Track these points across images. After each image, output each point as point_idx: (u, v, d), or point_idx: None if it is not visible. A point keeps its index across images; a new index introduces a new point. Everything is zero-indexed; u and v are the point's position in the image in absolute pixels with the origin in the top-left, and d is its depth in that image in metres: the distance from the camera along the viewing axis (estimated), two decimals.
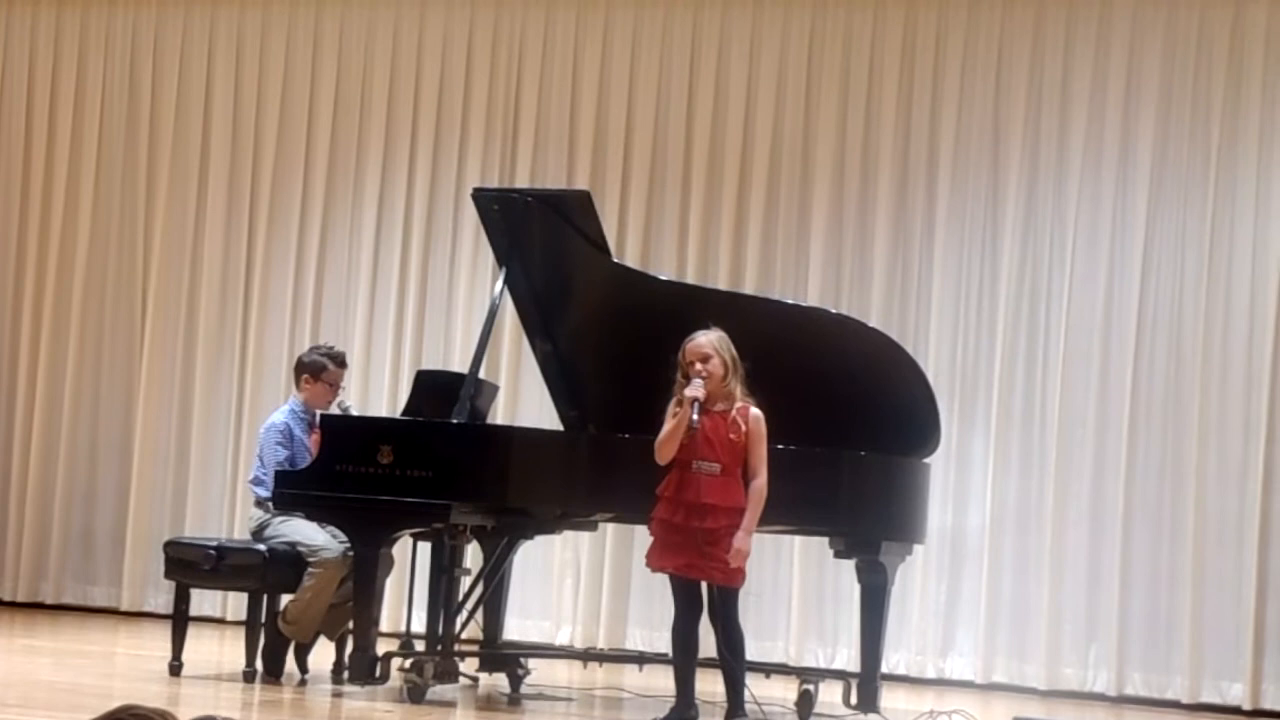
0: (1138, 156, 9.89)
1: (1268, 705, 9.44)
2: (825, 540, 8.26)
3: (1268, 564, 9.54)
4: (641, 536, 7.84)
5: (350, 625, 7.78)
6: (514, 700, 7.94)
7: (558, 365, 8.34)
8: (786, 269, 10.30)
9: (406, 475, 7.43)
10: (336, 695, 7.75)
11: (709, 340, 6.99)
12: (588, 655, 8.90)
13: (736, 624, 7.13)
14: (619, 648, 10.00)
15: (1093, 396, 9.83)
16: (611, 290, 8.16)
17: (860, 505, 7.77)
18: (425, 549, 8.10)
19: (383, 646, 7.74)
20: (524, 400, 10.27)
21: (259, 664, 7.89)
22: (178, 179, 11.12)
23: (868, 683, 7.92)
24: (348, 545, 7.70)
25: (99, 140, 11.26)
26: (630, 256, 10.06)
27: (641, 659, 8.56)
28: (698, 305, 7.70)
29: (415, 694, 7.47)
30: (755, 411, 7.00)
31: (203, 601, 9.81)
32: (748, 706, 7.06)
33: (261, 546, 7.97)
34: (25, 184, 11.33)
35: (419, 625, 8.25)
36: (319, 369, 8.24)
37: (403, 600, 8.96)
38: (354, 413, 8.49)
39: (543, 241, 8.04)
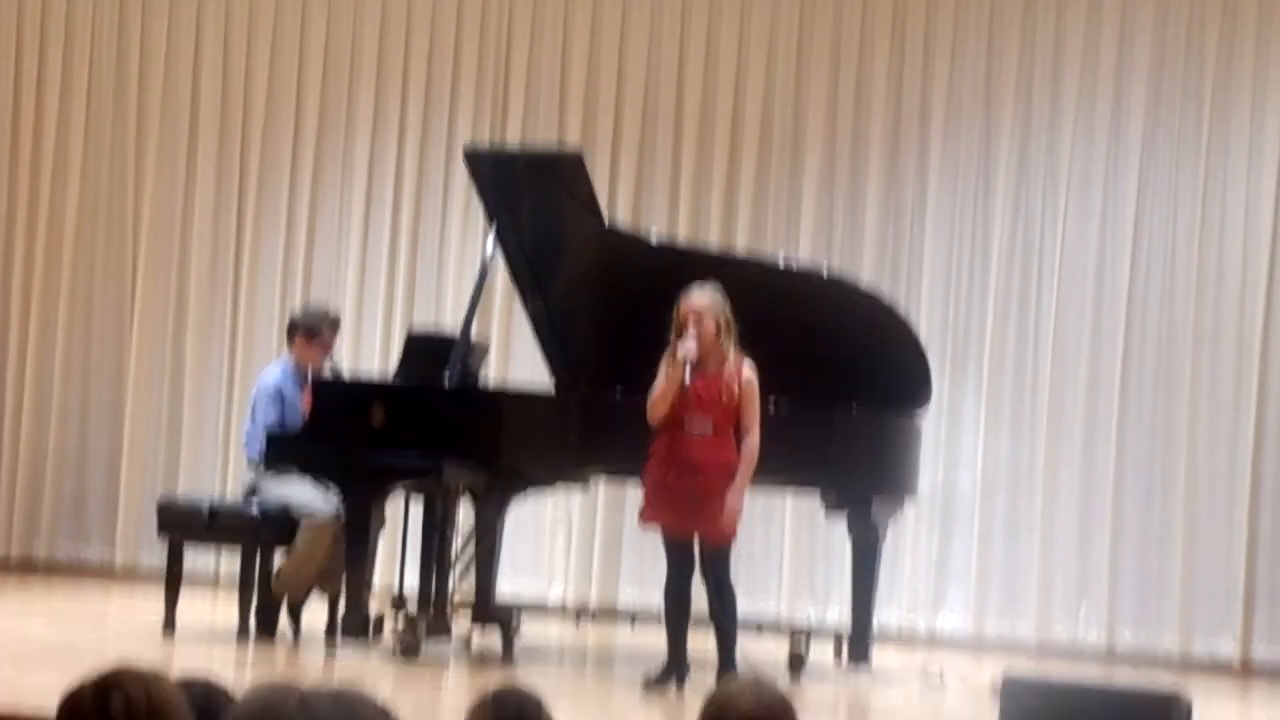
0: (1130, 116, 9.88)
1: (1258, 660, 9.49)
2: (817, 497, 8.29)
3: (1258, 521, 9.57)
4: (633, 495, 7.86)
5: (343, 584, 7.80)
6: (506, 658, 7.97)
7: (549, 325, 8.35)
8: (778, 229, 10.29)
9: (398, 435, 7.44)
10: (330, 653, 7.77)
11: (703, 299, 7.00)
12: (580, 613, 8.93)
13: (728, 581, 7.16)
14: (611, 605, 10.03)
15: (1084, 355, 9.85)
16: (602, 250, 8.17)
17: (851, 462, 7.80)
18: (417, 508, 8.12)
19: (375, 605, 7.76)
20: (515, 360, 10.26)
21: (252, 623, 7.91)
22: (167, 141, 11.08)
23: (859, 639, 7.97)
24: (340, 504, 7.71)
25: (87, 103, 11.19)
26: (621, 215, 10.05)
27: (633, 616, 8.60)
28: (689, 265, 7.71)
29: (408, 652, 7.50)
30: (748, 371, 7.02)
31: (196, 561, 9.81)
32: (739, 663, 7.09)
33: (254, 506, 7.98)
34: (14, 146, 11.27)
35: (411, 584, 8.27)
36: (314, 331, 8.22)
37: (395, 559, 8.98)
38: (345, 373, 8.49)
39: (534, 201, 8.04)
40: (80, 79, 11.21)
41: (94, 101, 11.21)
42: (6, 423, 11.18)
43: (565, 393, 8.23)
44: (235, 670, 7.18)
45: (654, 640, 7.80)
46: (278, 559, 7.98)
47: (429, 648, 7.64)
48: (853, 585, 8.09)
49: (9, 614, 9.02)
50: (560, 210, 8.05)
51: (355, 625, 7.51)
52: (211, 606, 9.23)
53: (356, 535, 7.54)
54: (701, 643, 7.38)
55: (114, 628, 8.93)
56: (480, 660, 7.94)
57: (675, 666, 7.12)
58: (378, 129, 10.86)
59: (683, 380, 6.87)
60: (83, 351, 11.13)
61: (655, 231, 9.40)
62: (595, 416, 7.73)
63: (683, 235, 10.10)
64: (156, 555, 9.90)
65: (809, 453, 7.68)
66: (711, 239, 10.10)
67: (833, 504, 8.05)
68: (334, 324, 8.29)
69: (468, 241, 10.57)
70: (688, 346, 6.90)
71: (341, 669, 7.33)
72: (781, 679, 7.48)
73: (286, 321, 8.68)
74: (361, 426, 7.46)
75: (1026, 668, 8.45)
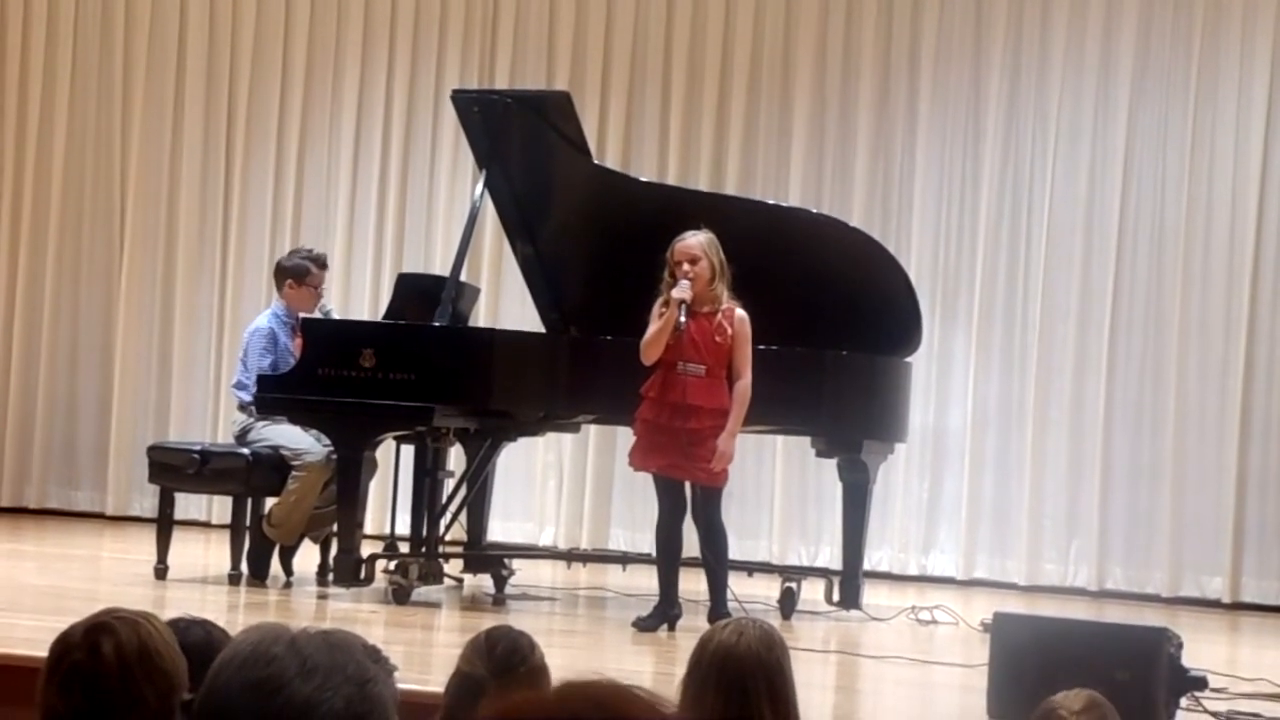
0: (1120, 55, 9.85)
1: (1247, 598, 9.53)
2: (807, 440, 8.30)
3: (1247, 460, 9.60)
4: (624, 438, 7.87)
5: (334, 528, 7.81)
6: (498, 601, 7.99)
7: (539, 267, 8.34)
8: (768, 170, 10.27)
9: (389, 378, 7.44)
10: (321, 597, 7.79)
11: (698, 242, 7.00)
12: (571, 556, 8.95)
13: (719, 524, 7.18)
14: (602, 548, 10.05)
15: (1074, 295, 9.85)
16: (592, 192, 8.15)
17: (842, 405, 7.81)
18: (408, 452, 8.12)
19: (367, 549, 7.78)
20: (505, 303, 10.26)
21: (244, 567, 7.92)
22: (154, 86, 11.02)
23: (850, 580, 8.00)
24: (331, 449, 7.71)
25: (73, 49, 11.10)
26: (611, 158, 10.01)
27: (625, 559, 8.62)
28: (678, 207, 7.70)
29: (400, 595, 7.51)
30: (740, 313, 7.02)
31: (188, 505, 9.82)
32: (730, 605, 7.11)
33: (245, 450, 7.98)
34: (0, 90, 11.22)
35: (403, 528, 8.28)
36: (302, 272, 8.20)
37: (387, 503, 8.99)
38: (335, 316, 8.48)
39: (523, 143, 8.01)
40: (66, 25, 11.14)
41: (80, 48, 11.14)
42: None
43: (556, 336, 8.23)
44: (227, 614, 7.18)
45: (645, 582, 7.83)
46: (269, 503, 7.98)
47: (420, 591, 7.66)
48: (844, 527, 8.11)
49: (0, 560, 9.03)
50: (549, 151, 8.03)
51: (347, 569, 7.52)
52: (203, 550, 9.25)
53: (348, 479, 7.54)
54: (693, 584, 7.40)
55: (106, 573, 8.94)
56: (472, 604, 7.96)
57: (666, 608, 7.14)
58: (366, 73, 10.81)
59: (677, 322, 6.87)
60: (72, 298, 11.10)
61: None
62: (586, 360, 7.73)
63: (672, 177, 10.09)
64: (148, 500, 9.94)
65: (799, 397, 7.69)
66: (701, 182, 10.08)
67: (823, 448, 8.08)
68: (320, 263, 8.26)
69: (457, 186, 10.55)
70: (683, 288, 6.90)
71: (333, 612, 7.34)
72: (773, 620, 7.49)
73: (274, 266, 8.66)
74: (352, 368, 7.45)
75: (1017, 608, 8.48)
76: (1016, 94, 10.00)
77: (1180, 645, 5.42)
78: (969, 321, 9.98)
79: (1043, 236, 9.89)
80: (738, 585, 7.45)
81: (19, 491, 11.06)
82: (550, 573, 9.04)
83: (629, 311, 7.23)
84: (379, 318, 8.79)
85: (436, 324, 7.64)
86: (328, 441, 7.75)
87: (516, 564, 8.40)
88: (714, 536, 7.15)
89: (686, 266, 6.95)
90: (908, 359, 8.12)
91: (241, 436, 8.09)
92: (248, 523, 7.96)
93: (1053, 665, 4.96)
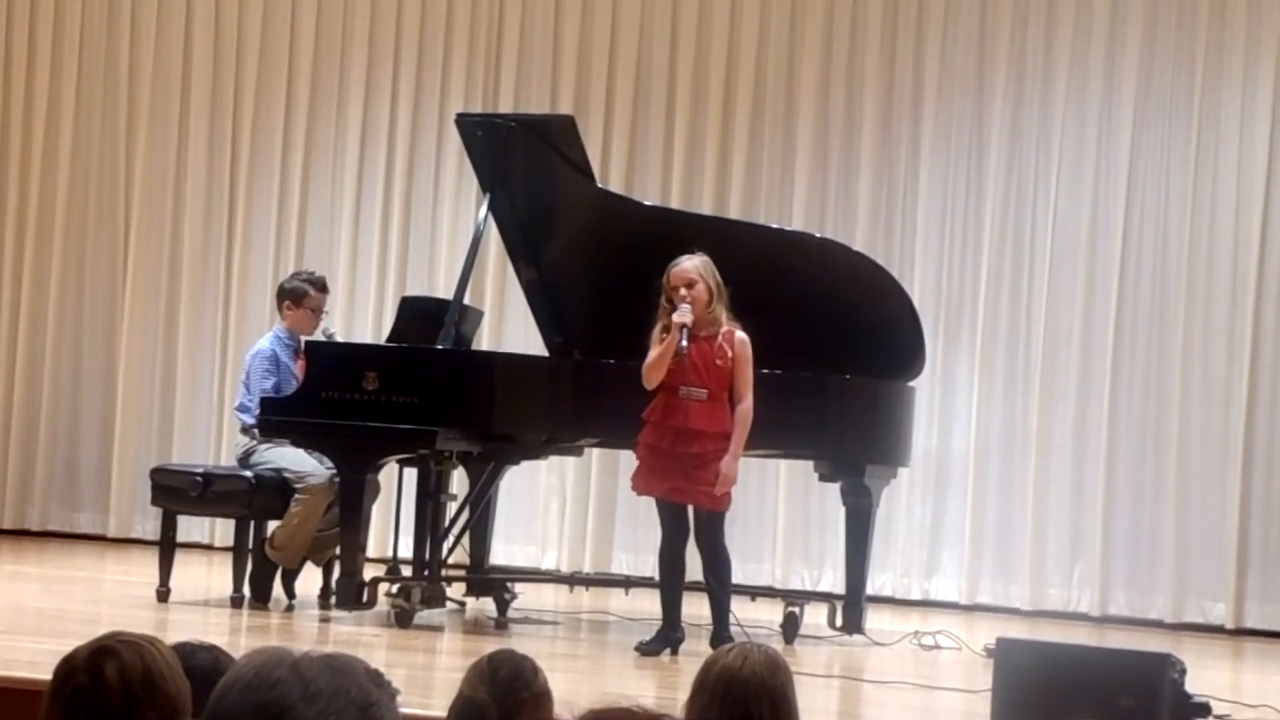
0: (1123, 80, 9.87)
1: (1250, 624, 9.52)
2: (810, 464, 8.30)
3: (1251, 484, 9.60)
4: (626, 461, 7.87)
5: (337, 551, 7.80)
6: (501, 624, 7.98)
7: (542, 291, 8.34)
8: (771, 193, 10.28)
9: (392, 401, 7.44)
10: (324, 620, 7.78)
11: (693, 265, 7.00)
12: (574, 579, 8.95)
13: (722, 547, 7.17)
14: (605, 572, 10.05)
15: (1077, 318, 9.86)
16: (596, 215, 8.16)
17: (845, 429, 7.81)
18: (411, 475, 8.12)
19: (369, 572, 7.77)
20: (509, 326, 10.27)
21: (246, 590, 7.92)
22: (159, 105, 11.04)
23: (853, 604, 7.99)
24: (334, 471, 7.71)
25: (79, 70, 11.14)
26: (614, 181, 10.03)
27: (628, 582, 8.61)
28: (682, 230, 7.71)
29: (402, 619, 7.51)
30: (741, 336, 7.02)
31: (190, 528, 9.83)
32: (733, 629, 7.11)
33: (248, 473, 7.97)
34: (5, 110, 11.24)
35: (405, 551, 8.28)
36: (301, 295, 8.22)
37: (389, 526, 8.99)
38: (339, 339, 8.49)
39: (527, 167, 8.03)
40: (72, 46, 11.17)
41: (86, 68, 11.17)
42: None
43: (560, 359, 8.23)
44: (229, 637, 7.17)
45: (648, 606, 7.81)
46: (271, 526, 7.98)
47: (423, 615, 7.65)
48: (847, 551, 8.10)
49: (2, 581, 9.02)
50: (553, 175, 8.04)
51: (349, 592, 7.52)
52: (206, 573, 9.24)
53: (350, 502, 7.54)
54: (696, 608, 7.39)
55: (108, 595, 8.93)
56: (474, 627, 7.96)
57: (669, 632, 7.14)
58: (370, 94, 10.83)
59: (679, 347, 6.87)
60: (75, 319, 11.11)
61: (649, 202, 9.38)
62: (589, 384, 7.73)
63: (676, 201, 10.10)
64: (150, 523, 9.93)
65: (802, 421, 7.69)
66: (705, 205, 10.10)
67: (826, 472, 8.08)
68: (320, 286, 8.28)
69: (461, 207, 10.56)
70: (684, 312, 6.90)
71: (335, 636, 7.33)
72: (776, 644, 7.48)
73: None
74: (355, 391, 7.46)
75: (1020, 633, 8.47)
76: (1019, 118, 10.01)
77: (1183, 671, 5.41)
78: (972, 345, 9.99)
79: (1046, 260, 9.90)
80: (740, 609, 7.44)
81: (21, 513, 11.06)
82: (553, 596, 9.03)
83: (632, 335, 7.23)
84: (382, 341, 8.80)
85: (440, 347, 7.64)
86: (330, 464, 7.75)
87: (519, 587, 8.39)
88: (717, 560, 7.15)
89: (684, 291, 6.95)
90: (911, 383, 8.12)
91: (244, 459, 8.09)
92: (250, 545, 7.95)
93: (1056, 691, 4.95)
